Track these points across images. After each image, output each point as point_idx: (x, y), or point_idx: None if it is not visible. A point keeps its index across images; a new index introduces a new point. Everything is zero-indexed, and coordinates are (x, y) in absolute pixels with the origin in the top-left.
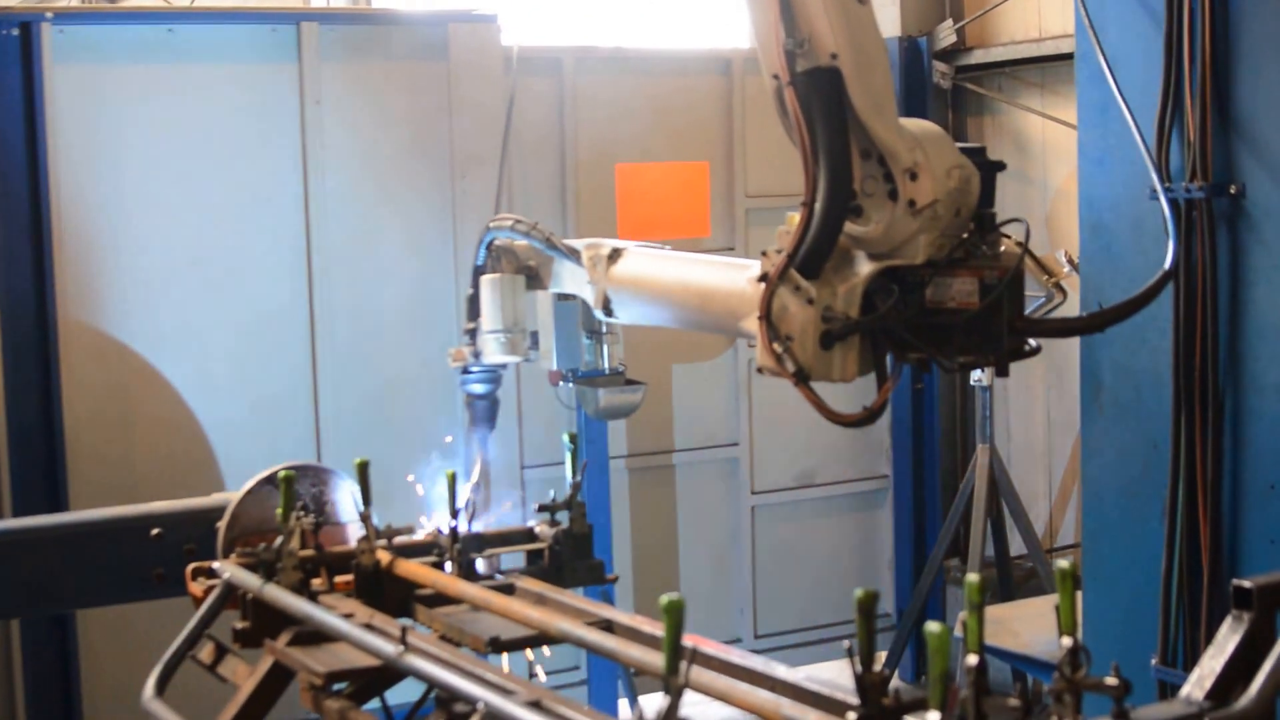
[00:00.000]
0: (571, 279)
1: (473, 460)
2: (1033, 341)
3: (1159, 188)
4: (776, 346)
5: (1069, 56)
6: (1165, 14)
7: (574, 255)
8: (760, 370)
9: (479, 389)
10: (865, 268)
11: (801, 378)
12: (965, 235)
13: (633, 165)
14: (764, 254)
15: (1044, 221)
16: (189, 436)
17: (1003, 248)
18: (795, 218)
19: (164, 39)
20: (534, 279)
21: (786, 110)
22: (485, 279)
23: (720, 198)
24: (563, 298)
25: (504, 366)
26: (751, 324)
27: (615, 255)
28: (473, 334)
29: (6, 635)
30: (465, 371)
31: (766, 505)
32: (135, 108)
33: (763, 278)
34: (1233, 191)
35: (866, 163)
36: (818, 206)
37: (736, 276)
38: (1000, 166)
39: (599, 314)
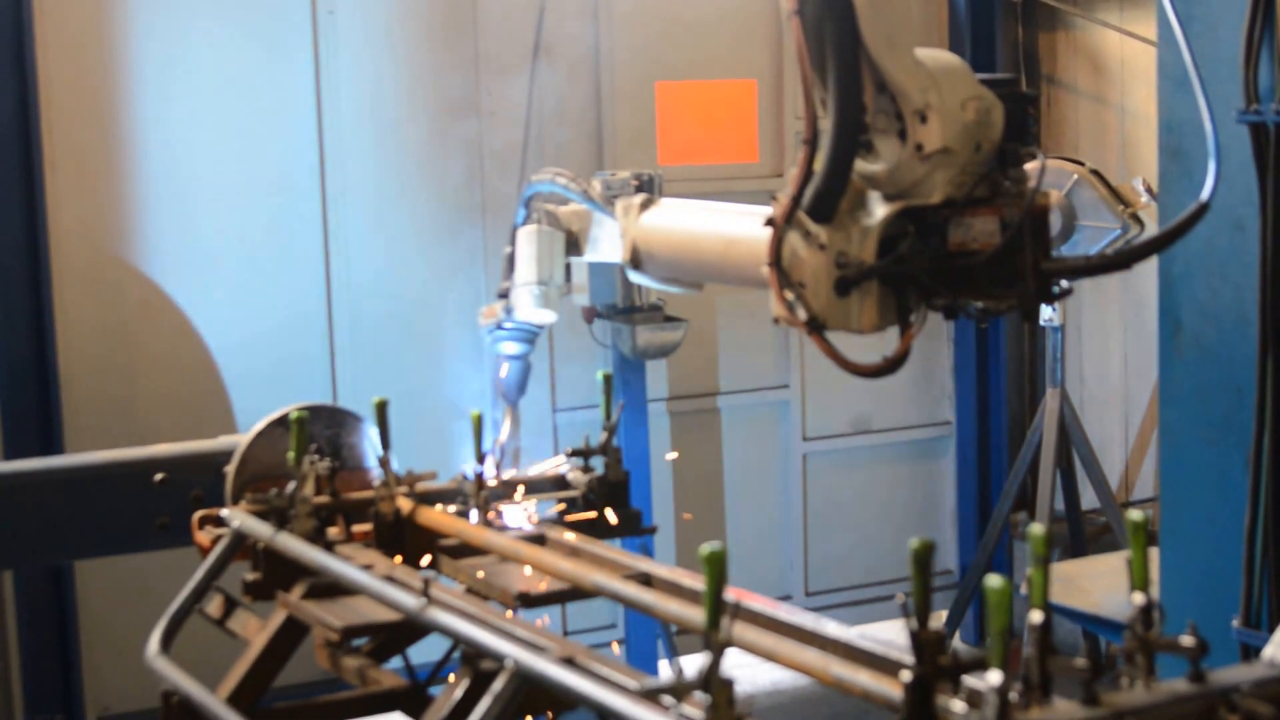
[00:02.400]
0: (608, 240)
1: (500, 429)
2: (1063, 283)
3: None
4: (788, 294)
5: None
6: None
7: (611, 208)
8: (776, 321)
9: (511, 349)
10: (881, 209)
11: (815, 327)
12: (987, 172)
13: (674, 83)
14: (774, 197)
15: (1121, 147)
16: (195, 372)
17: (1031, 183)
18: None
19: None
20: (572, 245)
21: (802, 47)
22: (522, 230)
23: (769, 119)
24: None
25: (539, 329)
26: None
27: (647, 204)
28: (507, 295)
29: None
30: (497, 329)
31: (819, 453)
32: (134, 16)
33: (769, 222)
34: None
35: (879, 96)
36: (827, 144)
37: (761, 224)
38: (1033, 99)
39: (628, 270)
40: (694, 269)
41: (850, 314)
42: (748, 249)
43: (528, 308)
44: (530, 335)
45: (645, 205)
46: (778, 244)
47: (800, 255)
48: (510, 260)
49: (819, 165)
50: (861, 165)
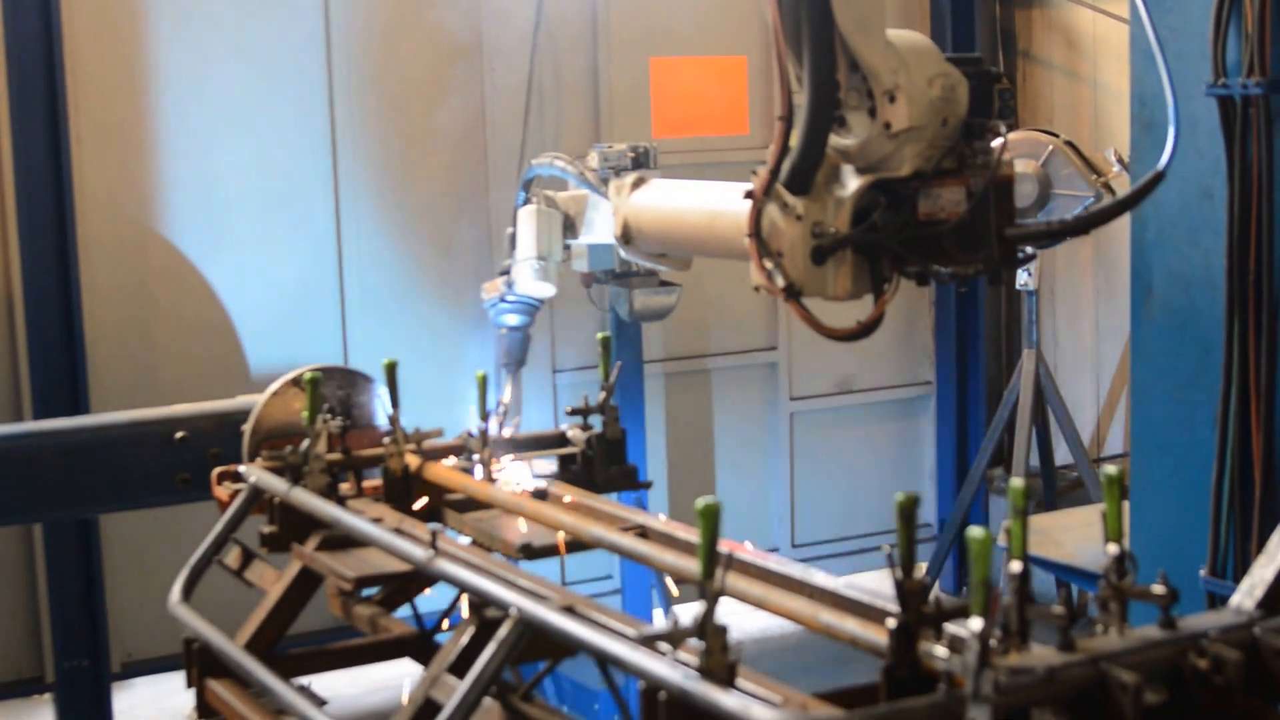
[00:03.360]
0: (603, 221)
1: (502, 398)
2: (1027, 249)
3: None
4: (767, 263)
5: None
6: None
7: (605, 190)
8: (756, 289)
9: (512, 320)
10: (854, 182)
11: (791, 294)
12: (953, 145)
13: (668, 59)
14: (754, 171)
15: (1093, 119)
16: (213, 333)
17: (1004, 156)
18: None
19: None
20: (569, 229)
21: (776, 21)
22: (523, 210)
23: (759, 93)
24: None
25: (539, 303)
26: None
27: (638, 183)
28: (508, 272)
29: (29, 540)
30: (500, 302)
31: (805, 412)
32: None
33: (749, 195)
34: None
35: (852, 75)
36: (802, 120)
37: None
38: (998, 77)
39: (619, 246)
40: (681, 243)
41: (826, 281)
42: (731, 222)
43: (528, 281)
44: (530, 308)
45: (636, 184)
46: (757, 216)
47: (778, 226)
48: (512, 239)
49: (795, 141)
50: (835, 140)
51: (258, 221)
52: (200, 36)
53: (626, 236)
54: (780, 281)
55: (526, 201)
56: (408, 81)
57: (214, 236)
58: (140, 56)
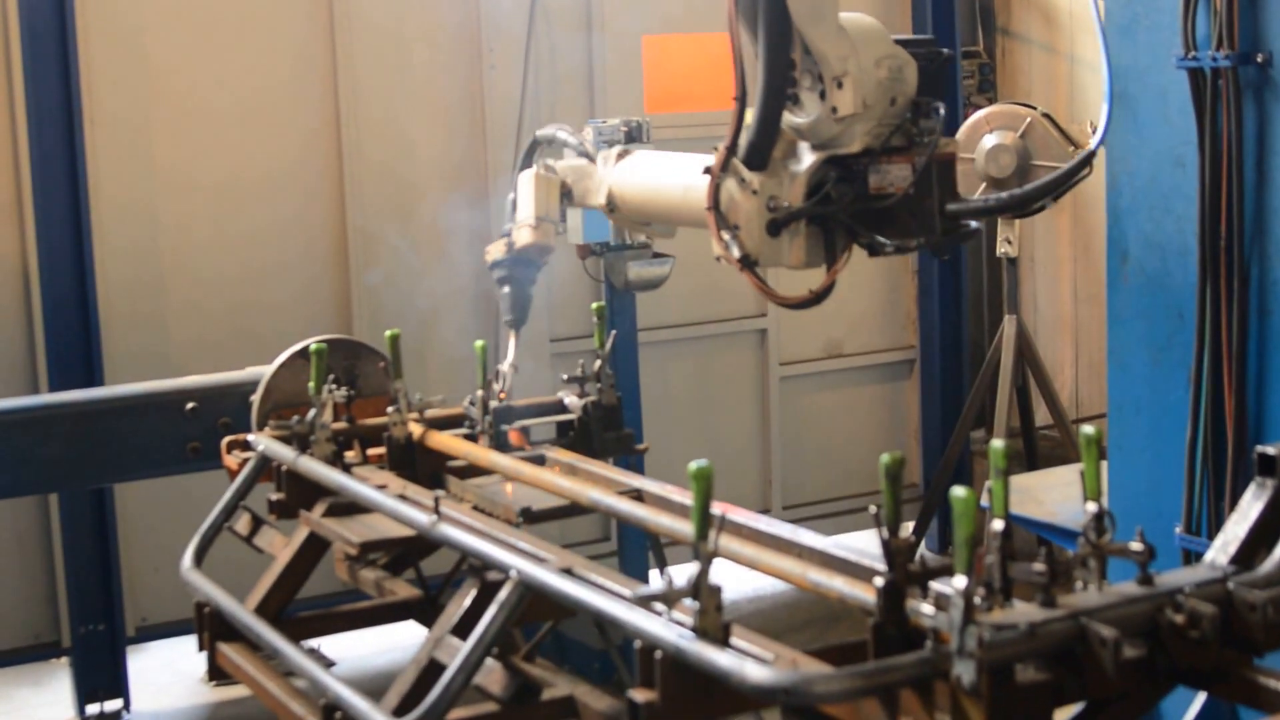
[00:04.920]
0: (598, 189)
1: (501, 366)
2: (972, 223)
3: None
4: (725, 235)
5: None
6: None
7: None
8: (716, 259)
9: (514, 278)
10: (809, 158)
11: (747, 264)
12: (901, 123)
13: (659, 37)
14: (716, 148)
15: (1069, 93)
16: (223, 311)
17: (951, 136)
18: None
19: None
20: (567, 195)
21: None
22: (523, 175)
23: None
24: None
25: (540, 262)
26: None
27: (623, 155)
28: (510, 234)
29: (46, 508)
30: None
31: (793, 376)
32: None
33: (708, 170)
34: (1260, 60)
35: (806, 57)
36: (757, 99)
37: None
38: (948, 59)
39: (608, 215)
40: (658, 215)
41: (781, 252)
42: (699, 195)
43: (527, 239)
44: (532, 266)
45: (621, 156)
46: (715, 190)
47: (736, 199)
48: (513, 204)
49: (750, 119)
50: (790, 118)
51: (266, 196)
52: (208, 24)
53: (612, 206)
54: (736, 252)
55: (526, 168)
56: (407, 66)
57: (225, 211)
58: (152, 39)
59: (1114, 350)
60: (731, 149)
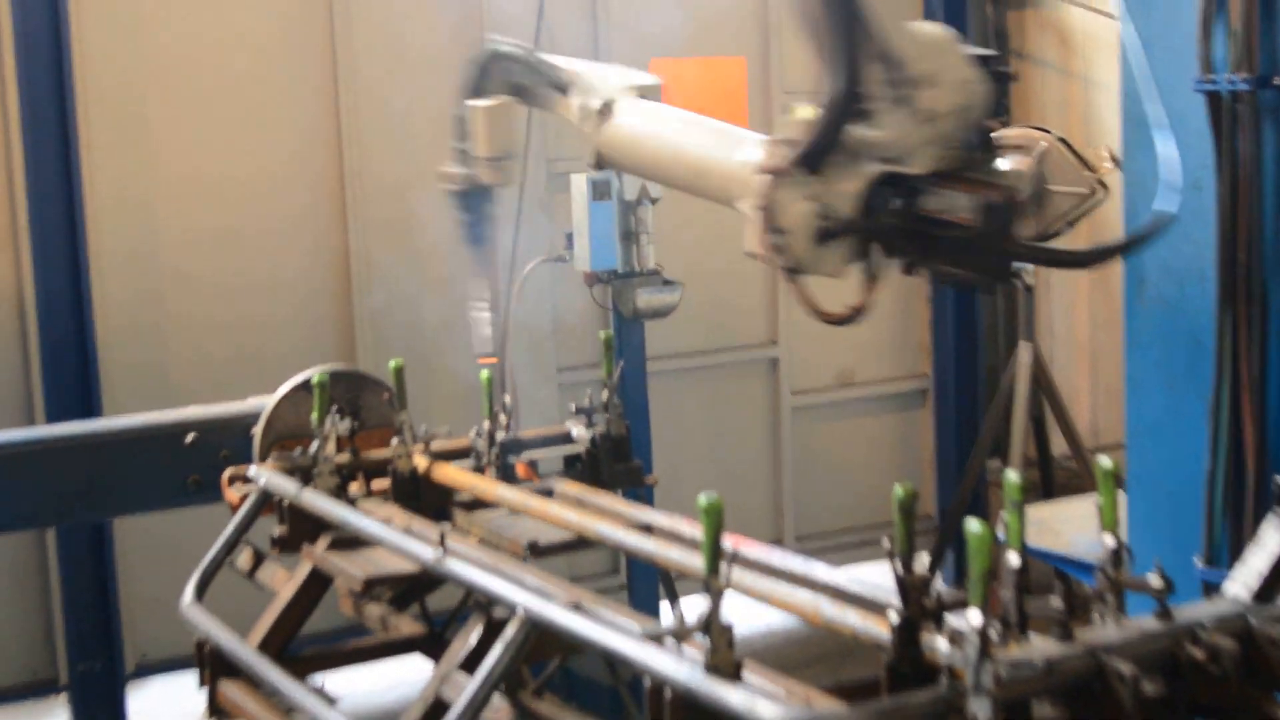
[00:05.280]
0: (564, 112)
1: (480, 278)
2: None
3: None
4: (772, 237)
5: None
6: None
7: (563, 91)
8: (751, 255)
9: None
10: (868, 170)
11: (794, 272)
12: (969, 148)
13: (667, 60)
14: (768, 142)
15: (1084, 116)
16: (223, 337)
17: (1013, 166)
18: (800, 110)
19: None
20: (527, 95)
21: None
22: (476, 106)
23: (757, 93)
24: (597, 195)
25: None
26: (746, 206)
27: (606, 110)
28: (463, 155)
29: (43, 544)
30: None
31: (805, 406)
32: (163, 9)
33: (768, 170)
34: (1278, 83)
35: (878, 65)
36: (827, 100)
37: (733, 153)
38: (1010, 78)
39: (590, 165)
40: (663, 181)
41: (825, 261)
42: (719, 182)
43: (487, 179)
44: (490, 196)
45: (605, 111)
46: (771, 191)
47: (787, 202)
48: (461, 122)
49: (813, 117)
50: (858, 130)
51: (266, 220)
52: (202, 44)
53: (599, 165)
54: (784, 259)
55: (481, 88)
56: (414, 91)
57: (224, 237)
58: (149, 59)
59: (1131, 377)
60: (804, 153)
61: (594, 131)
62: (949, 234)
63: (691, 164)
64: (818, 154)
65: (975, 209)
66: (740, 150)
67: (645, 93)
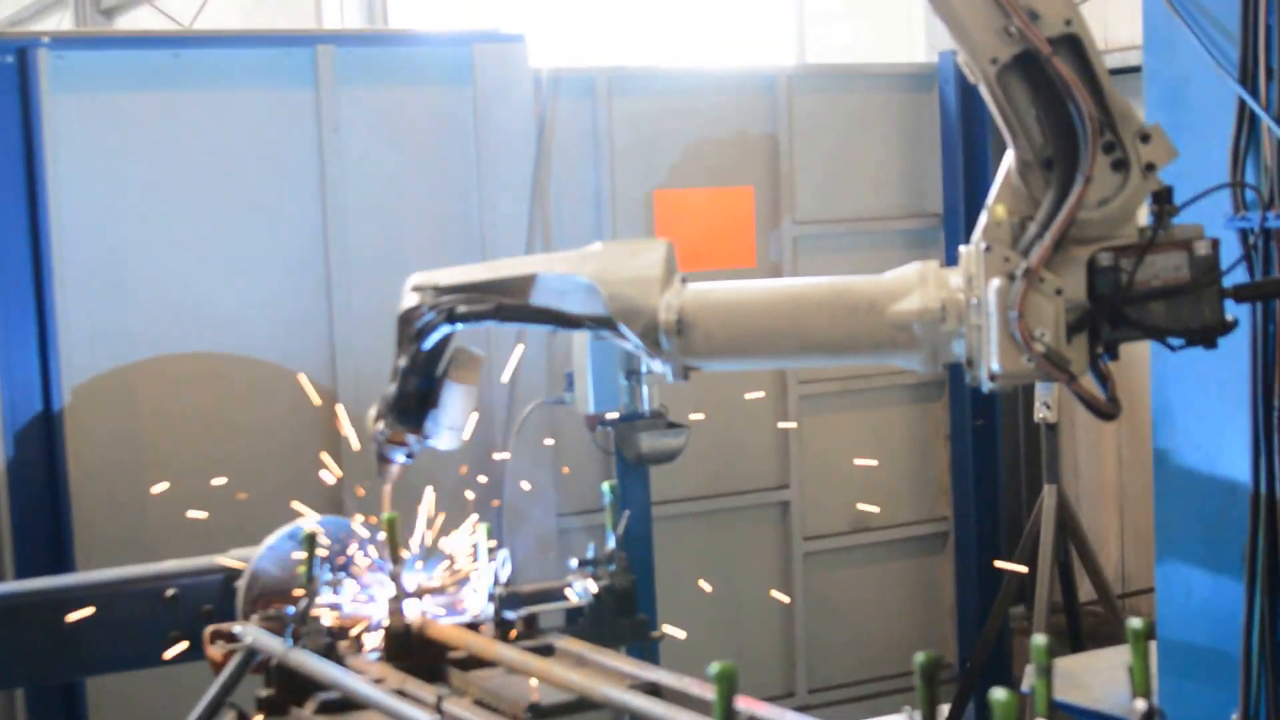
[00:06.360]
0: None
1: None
2: (1230, 316)
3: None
4: (1038, 346)
5: (1136, 69)
6: (1240, 31)
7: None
8: (997, 380)
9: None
10: (1081, 252)
11: (1073, 374)
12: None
13: (672, 191)
14: (981, 248)
15: None
16: (204, 490)
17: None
18: (1002, 209)
19: (170, 64)
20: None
21: (1002, 100)
22: (453, 387)
23: (766, 225)
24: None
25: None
26: (907, 315)
27: (683, 322)
28: (401, 414)
29: (10, 706)
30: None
31: (819, 551)
32: (141, 138)
33: (1024, 273)
34: None
35: (1089, 130)
36: (1053, 188)
37: (892, 300)
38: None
39: (649, 352)
40: (767, 336)
41: (1079, 358)
42: (864, 297)
43: (446, 445)
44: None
45: (681, 330)
46: (1026, 295)
47: (1038, 303)
48: (405, 375)
49: (1045, 208)
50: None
51: (249, 360)
52: (184, 186)
53: (680, 329)
54: (1054, 366)
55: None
56: (405, 229)
57: (204, 379)
58: (128, 214)
59: (1161, 523)
60: (1059, 242)
61: (676, 295)
62: (1165, 296)
63: (821, 291)
64: (1060, 243)
65: (1185, 264)
66: (895, 296)
67: (671, 263)
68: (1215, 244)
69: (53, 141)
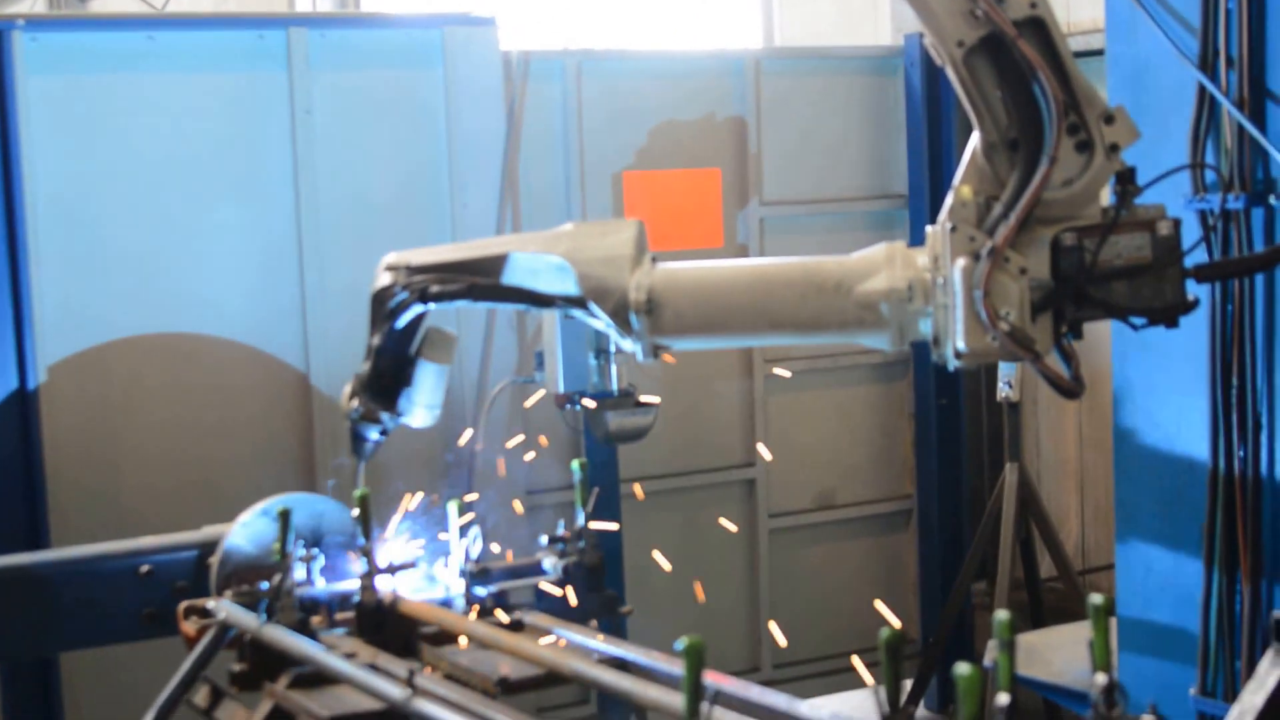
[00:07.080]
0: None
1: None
2: (1191, 296)
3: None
4: (1003, 325)
5: (1099, 52)
6: (1200, 18)
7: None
8: (963, 358)
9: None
10: (1046, 232)
11: (1035, 355)
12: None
13: (640, 173)
14: (946, 228)
15: None
16: (178, 467)
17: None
18: (967, 189)
19: (144, 47)
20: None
21: (968, 82)
22: (426, 366)
23: (733, 206)
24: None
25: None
26: (875, 294)
27: (653, 301)
28: (375, 392)
29: None
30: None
31: (784, 528)
32: (115, 120)
33: (990, 252)
34: (1272, 202)
35: (1061, 111)
36: (1018, 170)
37: (861, 280)
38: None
39: (621, 331)
40: (736, 312)
41: (1043, 337)
42: (832, 276)
43: (422, 422)
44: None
45: (651, 309)
46: (991, 273)
47: (1003, 282)
48: (379, 354)
49: (1010, 189)
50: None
51: (223, 340)
52: (158, 167)
53: (650, 308)
54: (1017, 345)
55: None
56: (377, 210)
57: (179, 359)
58: (102, 196)
59: (1121, 501)
60: (1023, 222)
61: (646, 274)
62: (1127, 276)
63: (792, 270)
64: (1025, 224)
65: (1147, 244)
66: (863, 275)
67: (642, 242)
68: (1177, 224)
69: (28, 123)
